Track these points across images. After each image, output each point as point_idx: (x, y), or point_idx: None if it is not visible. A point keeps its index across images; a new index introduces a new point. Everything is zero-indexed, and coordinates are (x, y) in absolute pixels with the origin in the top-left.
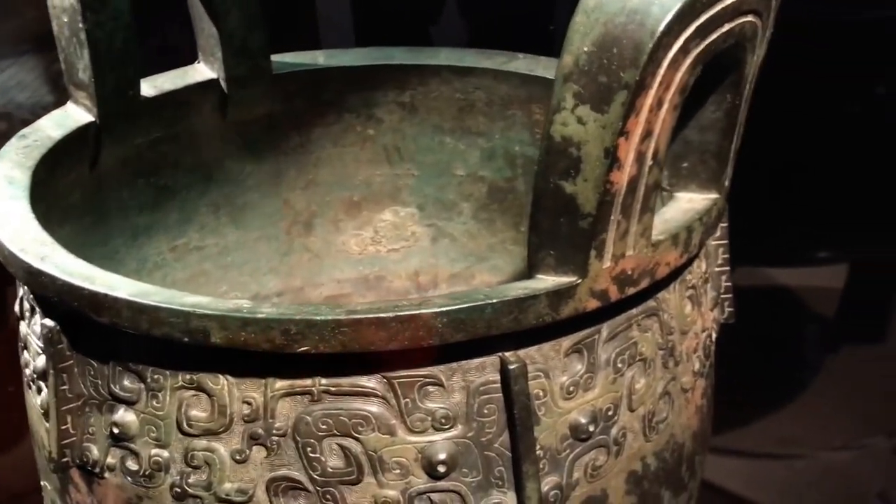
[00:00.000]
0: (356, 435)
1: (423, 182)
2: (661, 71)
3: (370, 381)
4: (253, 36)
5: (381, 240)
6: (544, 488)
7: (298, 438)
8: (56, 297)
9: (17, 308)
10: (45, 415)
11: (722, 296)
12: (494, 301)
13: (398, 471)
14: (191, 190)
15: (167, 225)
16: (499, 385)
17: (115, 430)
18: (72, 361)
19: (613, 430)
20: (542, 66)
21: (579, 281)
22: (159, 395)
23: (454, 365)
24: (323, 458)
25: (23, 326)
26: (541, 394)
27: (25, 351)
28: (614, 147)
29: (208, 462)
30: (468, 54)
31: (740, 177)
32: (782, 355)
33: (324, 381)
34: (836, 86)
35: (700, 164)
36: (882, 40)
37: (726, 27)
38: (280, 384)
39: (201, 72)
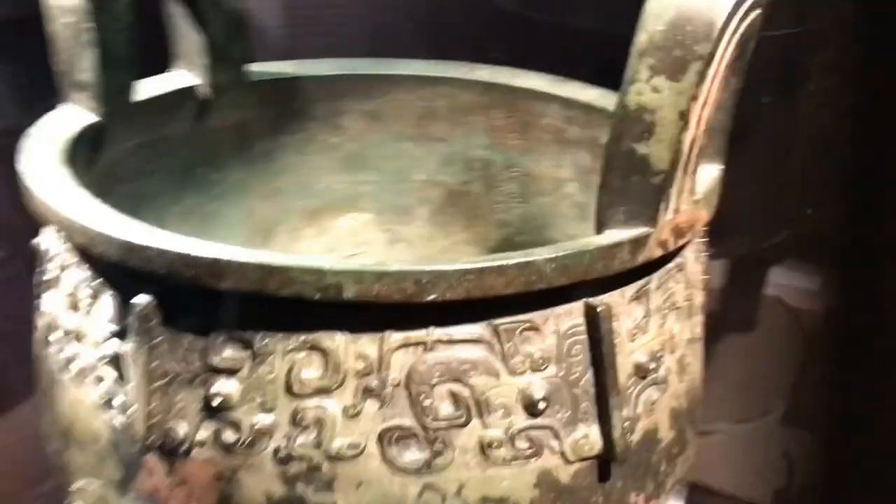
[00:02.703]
0: (465, 380)
1: (382, 188)
2: (722, 46)
3: (478, 329)
4: (236, 45)
5: (339, 246)
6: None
7: (412, 387)
8: (164, 270)
9: (50, 305)
10: (107, 403)
11: None
12: (592, 248)
13: (501, 411)
14: (164, 197)
15: None
16: (584, 328)
17: (214, 402)
18: (161, 338)
19: (661, 370)
20: (502, 75)
21: (651, 231)
22: (268, 359)
23: (547, 311)
24: (434, 405)
25: (68, 319)
26: (615, 336)
27: (69, 345)
28: (687, 111)
29: (319, 420)
30: (431, 65)
31: None
32: None
33: (437, 331)
34: None
35: (709, 140)
36: None
37: (753, 14)
38: (396, 337)
39: (182, 78)
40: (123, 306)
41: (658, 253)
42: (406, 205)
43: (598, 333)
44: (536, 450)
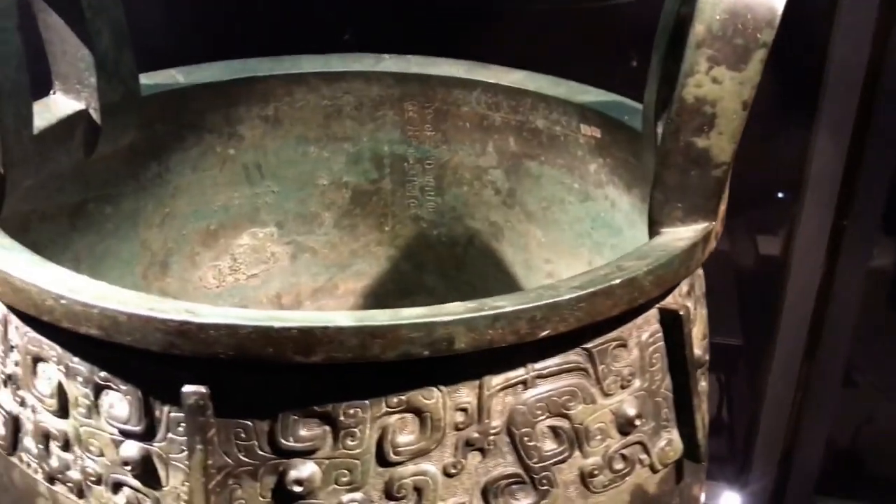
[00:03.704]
0: (566, 411)
1: (283, 198)
2: (774, 32)
3: (573, 356)
4: (123, 57)
5: (240, 267)
6: None
7: (515, 431)
8: (231, 351)
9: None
10: None
11: None
12: (679, 253)
13: (599, 437)
14: (56, 243)
15: None
16: (661, 335)
17: (291, 488)
18: (214, 430)
19: (706, 356)
20: (414, 65)
21: (713, 224)
22: (355, 431)
23: (630, 325)
24: (539, 444)
25: (51, 422)
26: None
27: (57, 453)
28: (749, 100)
29: (418, 487)
30: (333, 59)
31: None
32: None
33: (536, 365)
34: None
35: None
36: None
37: None
38: (496, 380)
39: (64, 104)
40: (146, 400)
41: (713, 246)
42: (310, 212)
43: (678, 337)
44: (630, 467)
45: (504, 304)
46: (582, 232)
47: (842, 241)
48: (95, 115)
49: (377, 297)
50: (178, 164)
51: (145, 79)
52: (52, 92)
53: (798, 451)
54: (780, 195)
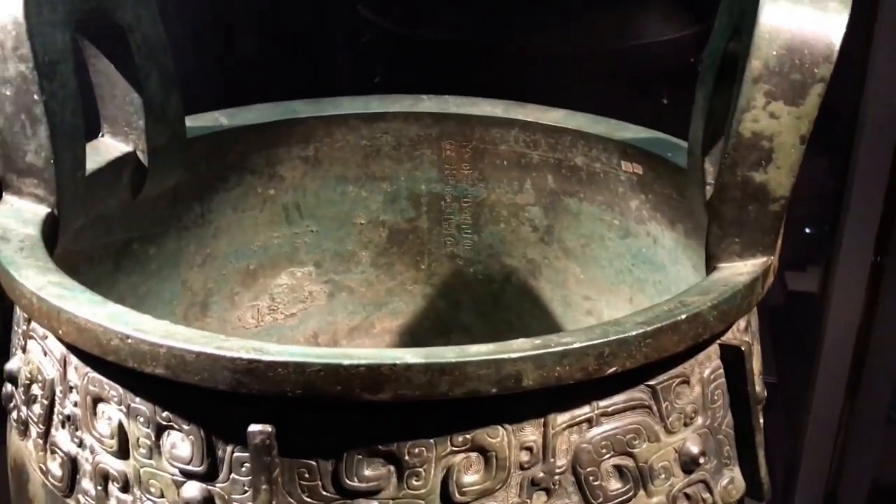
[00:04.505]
0: (630, 450)
1: (322, 237)
2: (832, 67)
3: (638, 393)
4: (170, 100)
5: (278, 306)
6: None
7: (580, 470)
8: (298, 390)
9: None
10: None
11: None
12: (740, 288)
13: (663, 476)
14: (102, 284)
15: None
16: (722, 371)
17: None
18: (279, 470)
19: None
20: (452, 105)
21: (771, 259)
22: (420, 470)
23: (692, 361)
24: (604, 484)
25: (111, 462)
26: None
27: (117, 495)
28: (807, 134)
29: None
30: (372, 100)
31: None
32: None
33: (601, 403)
34: None
35: None
36: None
37: None
38: (561, 418)
39: (112, 146)
40: (208, 440)
41: (770, 280)
42: (347, 251)
43: (739, 373)
44: None
45: (571, 340)
46: (622, 269)
47: (882, 278)
48: (143, 158)
49: (413, 335)
50: (219, 204)
51: (190, 121)
52: (100, 135)
53: (841, 494)
54: (807, 230)
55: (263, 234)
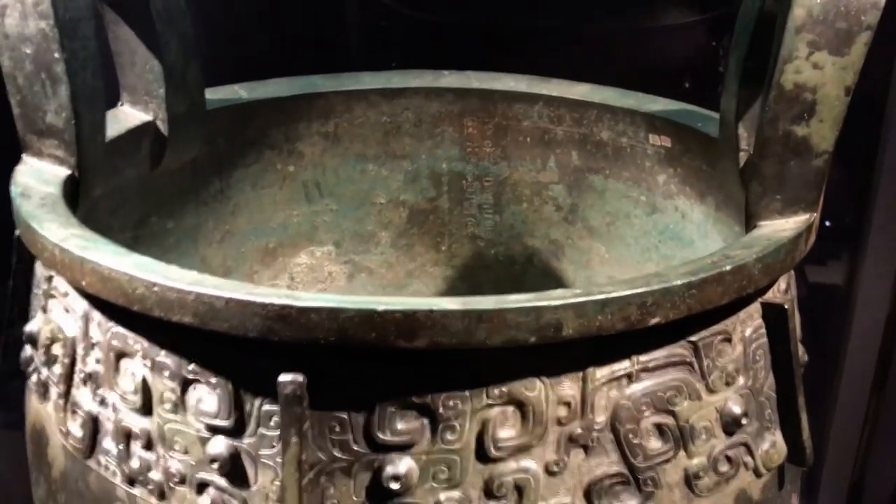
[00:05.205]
0: (671, 408)
1: (341, 216)
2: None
3: (678, 349)
4: (190, 68)
5: (298, 286)
6: None
7: (619, 427)
8: (332, 337)
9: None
10: None
11: None
12: (785, 242)
13: (704, 436)
14: None
15: None
16: (763, 331)
17: (387, 485)
18: (309, 423)
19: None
20: (474, 80)
21: (814, 216)
22: (455, 424)
23: (734, 318)
24: (644, 443)
25: (132, 420)
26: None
27: (139, 453)
28: (852, 85)
29: (519, 486)
30: (393, 76)
31: None
32: None
33: (641, 358)
34: None
35: None
36: None
37: None
38: (600, 373)
39: (132, 115)
40: (236, 393)
41: (813, 237)
42: (367, 231)
43: (782, 332)
44: (735, 470)
45: (613, 289)
46: (649, 246)
47: None
48: (162, 127)
49: None
50: (238, 180)
51: (209, 94)
52: (119, 103)
53: (867, 486)
54: (827, 223)
55: (283, 211)
